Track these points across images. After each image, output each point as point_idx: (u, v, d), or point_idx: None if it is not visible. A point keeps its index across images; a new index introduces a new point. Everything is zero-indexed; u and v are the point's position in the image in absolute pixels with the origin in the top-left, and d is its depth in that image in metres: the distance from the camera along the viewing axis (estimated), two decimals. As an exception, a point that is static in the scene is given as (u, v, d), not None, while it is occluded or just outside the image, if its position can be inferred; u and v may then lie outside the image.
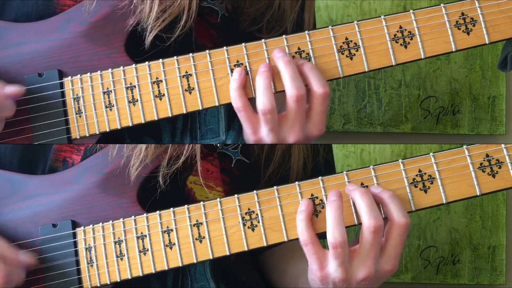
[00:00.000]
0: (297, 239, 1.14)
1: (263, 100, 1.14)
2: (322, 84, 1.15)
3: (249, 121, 1.16)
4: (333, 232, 1.11)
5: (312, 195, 1.15)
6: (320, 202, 1.15)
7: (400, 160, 1.16)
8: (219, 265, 1.25)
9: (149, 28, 1.17)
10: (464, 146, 1.15)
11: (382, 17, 1.18)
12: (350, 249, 1.12)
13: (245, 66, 1.17)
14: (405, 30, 1.18)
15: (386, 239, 1.13)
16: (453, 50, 1.17)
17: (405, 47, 1.18)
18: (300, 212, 1.13)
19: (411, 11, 1.18)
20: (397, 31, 1.18)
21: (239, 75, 1.16)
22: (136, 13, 1.18)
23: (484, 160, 1.15)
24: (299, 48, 1.18)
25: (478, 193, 1.14)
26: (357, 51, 1.17)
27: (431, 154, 1.15)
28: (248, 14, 1.28)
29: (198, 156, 1.19)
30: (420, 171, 1.15)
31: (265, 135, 1.16)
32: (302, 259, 1.16)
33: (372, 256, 1.11)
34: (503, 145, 1.15)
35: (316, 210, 1.15)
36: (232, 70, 1.17)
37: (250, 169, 1.26)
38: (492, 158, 1.15)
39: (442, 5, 1.17)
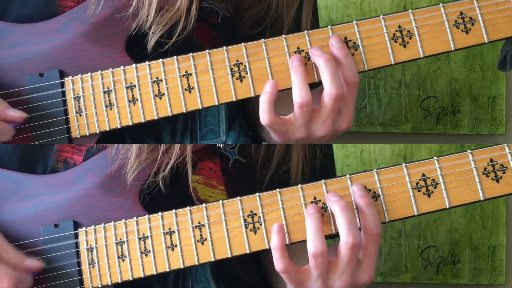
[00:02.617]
0: (299, 242, 1.15)
1: (314, 242, 1.13)
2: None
3: (280, 130, 1.16)
4: (314, 242, 1.11)
5: (314, 198, 1.15)
6: (323, 205, 1.15)
7: (403, 164, 1.15)
8: (220, 266, 1.24)
9: (150, 33, 1.18)
10: (468, 151, 1.15)
11: (381, 16, 1.18)
12: (329, 261, 1.13)
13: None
14: (404, 29, 1.18)
15: (363, 250, 1.14)
16: (452, 49, 1.17)
17: (404, 46, 1.18)
18: (275, 239, 1.13)
19: (410, 10, 1.18)
20: (396, 31, 1.18)
21: (271, 88, 1.16)
22: (137, 17, 1.18)
23: (488, 165, 1.14)
24: (298, 48, 1.18)
25: (481, 198, 1.14)
26: (356, 50, 1.17)
27: (435, 158, 1.15)
28: (249, 18, 1.28)
29: (189, 155, 1.19)
30: (423, 175, 1.15)
31: (297, 129, 1.17)
32: (303, 263, 1.16)
33: (349, 270, 1.13)
34: (507, 149, 1.14)
35: (318, 213, 1.15)
36: (232, 70, 1.17)
37: (248, 169, 1.27)
38: (496, 163, 1.14)
39: (440, 4, 1.17)
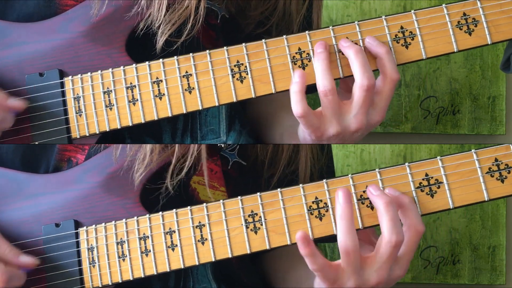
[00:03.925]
0: None
1: (345, 239, 1.10)
2: (395, 70, 1.15)
3: (313, 124, 1.15)
4: (345, 239, 1.09)
5: (316, 198, 1.14)
6: (324, 205, 1.14)
7: (406, 164, 1.15)
8: (221, 267, 1.24)
9: (159, 32, 1.17)
10: (473, 150, 1.14)
11: (383, 17, 1.18)
12: (363, 257, 1.11)
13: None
14: (406, 30, 1.18)
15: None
16: (455, 50, 1.17)
17: (406, 47, 1.18)
18: (303, 248, 1.11)
19: (412, 11, 1.18)
20: (398, 32, 1.18)
21: (300, 77, 1.15)
22: (142, 16, 1.18)
23: (493, 164, 1.14)
24: (299, 48, 1.17)
25: (486, 199, 1.13)
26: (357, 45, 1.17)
27: (438, 158, 1.15)
28: (253, 17, 1.27)
29: (204, 157, 1.18)
30: (427, 175, 1.14)
31: (329, 121, 1.16)
32: (302, 267, 1.16)
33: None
34: (512, 147, 1.14)
35: (320, 213, 1.14)
36: (232, 70, 1.17)
37: (249, 171, 1.26)
38: (501, 163, 1.14)
39: (443, 5, 1.17)
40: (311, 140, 1.17)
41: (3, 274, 1.11)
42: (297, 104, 1.14)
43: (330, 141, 1.17)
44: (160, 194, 1.18)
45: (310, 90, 1.17)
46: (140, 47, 1.20)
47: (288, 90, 1.17)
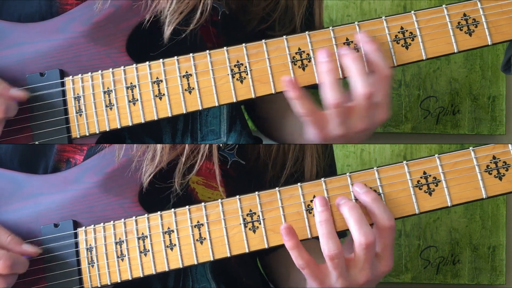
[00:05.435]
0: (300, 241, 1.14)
1: (328, 244, 1.11)
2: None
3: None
4: (328, 245, 1.10)
5: (314, 196, 1.14)
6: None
7: (404, 162, 1.15)
8: (220, 266, 1.24)
9: (167, 22, 1.17)
10: (470, 148, 1.14)
11: (383, 17, 1.18)
12: (346, 259, 1.11)
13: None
14: (407, 31, 1.17)
15: (379, 244, 1.13)
16: (455, 51, 1.17)
17: (406, 48, 1.17)
18: (288, 240, 1.12)
19: (412, 12, 1.17)
20: (399, 32, 1.17)
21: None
22: (152, 7, 1.18)
23: (491, 162, 1.14)
24: (299, 49, 1.17)
25: (484, 196, 1.13)
26: (357, 52, 1.17)
27: (436, 156, 1.15)
28: (255, 13, 1.27)
29: (215, 156, 1.19)
30: (425, 173, 1.14)
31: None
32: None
33: (367, 266, 1.12)
34: (510, 147, 1.13)
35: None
36: (232, 70, 1.17)
37: (250, 172, 1.26)
38: (499, 160, 1.13)
39: (444, 6, 1.17)
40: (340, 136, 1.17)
41: (7, 259, 1.12)
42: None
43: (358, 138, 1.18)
44: (159, 194, 1.18)
45: (312, 87, 1.17)
46: (141, 47, 1.20)
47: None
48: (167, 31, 1.17)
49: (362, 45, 1.15)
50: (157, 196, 1.18)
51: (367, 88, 1.13)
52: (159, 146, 1.17)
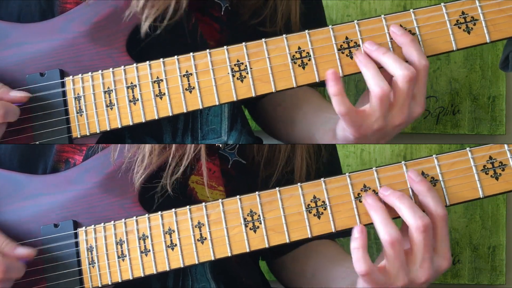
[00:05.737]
0: (299, 240, 1.14)
1: (387, 229, 1.08)
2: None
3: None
4: (387, 229, 1.08)
5: (314, 196, 1.14)
6: (322, 203, 1.14)
7: (403, 162, 1.15)
8: (219, 266, 1.24)
9: (143, 17, 1.17)
10: (468, 148, 1.14)
11: (382, 16, 1.18)
12: (405, 251, 1.09)
13: None
14: (406, 29, 1.18)
15: (434, 235, 1.10)
16: (454, 49, 1.17)
17: (406, 46, 1.18)
18: (355, 239, 1.09)
19: (411, 10, 1.18)
20: (398, 31, 1.18)
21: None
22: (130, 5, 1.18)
23: (487, 162, 1.14)
24: (299, 48, 1.17)
25: (481, 196, 1.14)
26: (357, 50, 1.17)
27: (434, 156, 1.15)
28: (248, 7, 1.27)
29: (203, 156, 1.19)
30: (422, 173, 1.14)
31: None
32: (335, 267, 1.15)
33: (428, 256, 1.09)
34: (506, 147, 1.14)
35: (318, 212, 1.14)
36: (232, 70, 1.17)
37: (247, 171, 1.26)
38: (496, 161, 1.14)
39: (442, 4, 1.17)
40: (352, 137, 1.16)
41: (1, 264, 1.11)
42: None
43: (371, 139, 1.17)
44: (159, 193, 1.18)
45: (318, 85, 1.17)
46: (140, 47, 1.20)
47: (288, 89, 1.17)
48: (144, 26, 1.17)
49: (397, 38, 1.14)
50: (158, 196, 1.18)
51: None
52: (147, 148, 1.17)
